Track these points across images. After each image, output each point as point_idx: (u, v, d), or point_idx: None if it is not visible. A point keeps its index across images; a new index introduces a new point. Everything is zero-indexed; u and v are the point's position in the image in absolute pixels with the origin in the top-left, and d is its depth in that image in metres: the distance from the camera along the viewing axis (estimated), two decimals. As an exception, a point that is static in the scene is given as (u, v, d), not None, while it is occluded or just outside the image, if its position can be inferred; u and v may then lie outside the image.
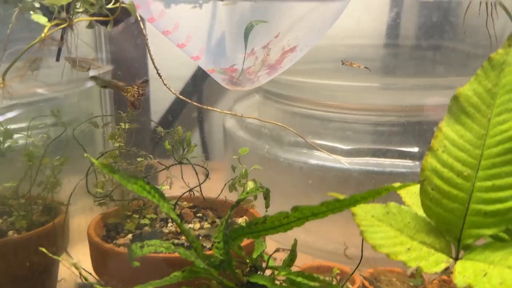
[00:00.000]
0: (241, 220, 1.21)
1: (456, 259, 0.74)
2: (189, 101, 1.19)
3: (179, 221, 0.83)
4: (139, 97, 0.98)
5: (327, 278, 1.23)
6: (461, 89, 0.75)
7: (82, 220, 1.24)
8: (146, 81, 0.99)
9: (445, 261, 0.73)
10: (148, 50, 1.07)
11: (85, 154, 0.77)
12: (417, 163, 1.44)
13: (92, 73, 1.14)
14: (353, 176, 1.46)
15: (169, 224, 1.17)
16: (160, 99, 2.18)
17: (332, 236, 1.49)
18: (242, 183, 1.20)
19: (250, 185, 1.20)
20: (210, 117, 2.41)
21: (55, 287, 1.25)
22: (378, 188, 0.69)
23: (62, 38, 0.92)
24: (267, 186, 1.24)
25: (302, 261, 1.28)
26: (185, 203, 1.28)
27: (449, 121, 0.75)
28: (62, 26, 0.87)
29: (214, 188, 1.28)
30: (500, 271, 0.66)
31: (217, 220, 1.21)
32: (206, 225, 1.17)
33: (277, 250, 0.92)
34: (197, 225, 1.17)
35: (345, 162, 1.42)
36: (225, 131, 1.95)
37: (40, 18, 0.82)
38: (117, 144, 1.12)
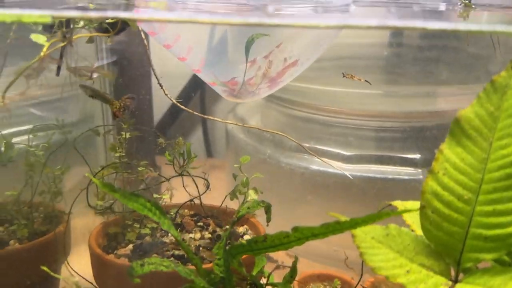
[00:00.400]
0: (242, 229, 1.21)
1: (455, 282, 0.74)
2: (189, 110, 1.19)
3: (179, 238, 0.83)
4: (121, 110, 1.04)
5: (327, 288, 1.23)
6: (462, 111, 0.74)
7: (86, 220, 1.24)
8: (133, 98, 1.03)
9: (444, 284, 0.73)
10: (150, 62, 1.06)
11: (86, 174, 0.77)
12: (419, 170, 1.44)
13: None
14: (354, 183, 1.46)
15: (170, 234, 1.17)
16: (165, 96, 2.18)
17: (333, 240, 1.48)
18: (243, 192, 1.20)
19: (251, 194, 1.20)
20: (213, 113, 2.40)
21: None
22: (379, 212, 0.69)
23: (61, 56, 0.92)
24: (268, 191, 1.23)
25: (303, 267, 1.28)
26: (186, 211, 1.28)
27: (451, 144, 0.74)
28: (62, 45, 0.87)
29: (217, 186, 1.28)
30: (499, 297, 0.66)
31: (218, 229, 1.21)
32: (207, 235, 1.18)
33: (277, 267, 0.92)
34: (198, 235, 1.17)
35: (345, 171, 1.41)
36: (227, 132, 1.95)
37: (39, 38, 0.82)
38: (117, 155, 1.12)
